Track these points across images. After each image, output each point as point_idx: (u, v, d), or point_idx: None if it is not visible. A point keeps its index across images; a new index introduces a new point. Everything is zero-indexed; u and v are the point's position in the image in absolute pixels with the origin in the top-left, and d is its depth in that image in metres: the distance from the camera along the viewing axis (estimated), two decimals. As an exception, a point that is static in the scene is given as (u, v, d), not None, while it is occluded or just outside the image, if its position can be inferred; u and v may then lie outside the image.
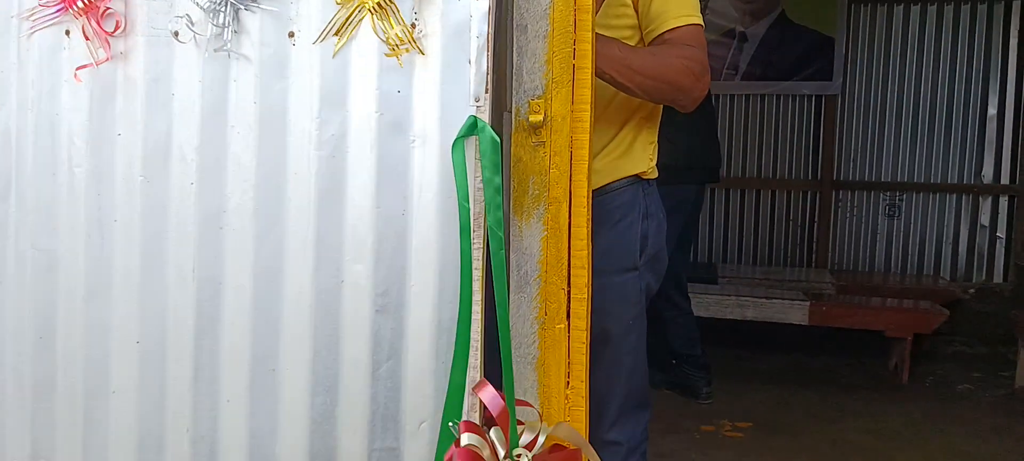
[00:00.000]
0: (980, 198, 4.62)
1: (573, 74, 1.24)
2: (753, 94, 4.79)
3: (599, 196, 1.51)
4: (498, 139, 1.10)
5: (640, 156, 1.62)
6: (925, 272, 4.70)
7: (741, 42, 4.78)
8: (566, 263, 1.27)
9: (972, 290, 4.59)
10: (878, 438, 2.98)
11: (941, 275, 4.66)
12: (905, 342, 3.64)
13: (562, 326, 1.28)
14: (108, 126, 1.21)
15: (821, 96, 4.71)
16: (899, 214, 4.71)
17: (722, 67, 4.75)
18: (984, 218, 4.63)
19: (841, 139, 4.72)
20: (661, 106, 1.65)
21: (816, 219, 4.78)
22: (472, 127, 1.08)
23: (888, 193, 4.71)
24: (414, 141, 1.11)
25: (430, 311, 1.14)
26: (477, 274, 1.08)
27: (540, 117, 1.23)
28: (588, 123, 1.26)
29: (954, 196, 4.64)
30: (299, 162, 1.14)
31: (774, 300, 3.77)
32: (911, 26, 4.61)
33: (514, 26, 1.25)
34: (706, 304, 3.82)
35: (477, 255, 1.09)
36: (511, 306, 1.29)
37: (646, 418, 1.73)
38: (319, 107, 1.13)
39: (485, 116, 1.11)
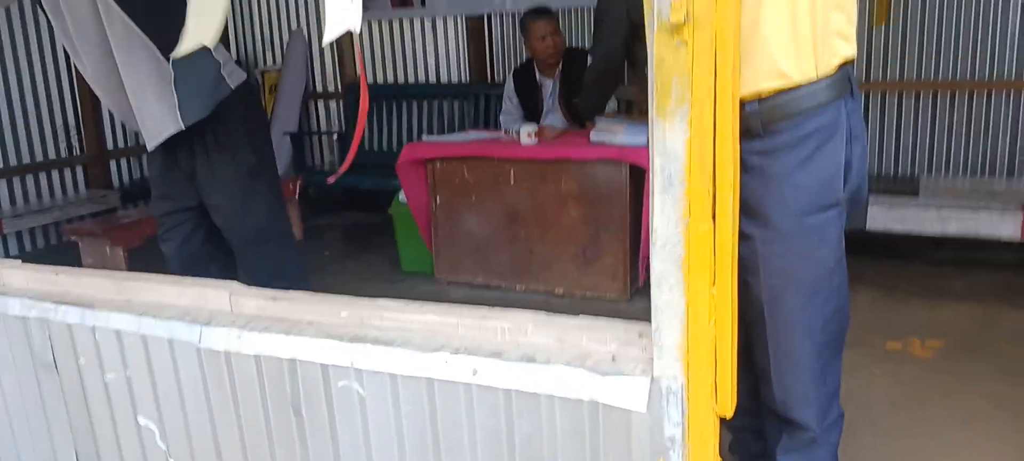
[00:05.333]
0: None
1: (717, -29, 1.23)
2: (965, -14, 4.30)
3: (788, 123, 1.34)
4: None
5: (825, 57, 1.35)
6: None
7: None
8: (711, 164, 1.29)
9: None
10: (1097, 362, 2.70)
11: None
12: None
13: (707, 226, 1.31)
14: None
15: (1052, -17, 4.13)
16: None
17: (929, -41, 4.30)
18: None
19: (1075, 31, 4.14)
20: None
21: (1040, 123, 4.27)
22: None
23: None
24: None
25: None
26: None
27: (681, 15, 1.24)
28: (733, 21, 1.25)
29: None
30: None
31: (981, 212, 3.45)
32: None
33: (656, -73, 1.26)
34: (903, 218, 3.59)
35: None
36: (656, 206, 1.33)
37: (837, 390, 1.55)
38: None
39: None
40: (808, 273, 1.38)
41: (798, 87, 1.31)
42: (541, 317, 1.57)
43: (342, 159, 5.65)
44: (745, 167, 1.36)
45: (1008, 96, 4.32)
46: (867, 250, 3.95)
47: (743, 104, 1.34)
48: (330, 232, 5.09)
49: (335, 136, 5.84)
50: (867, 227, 3.64)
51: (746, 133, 1.34)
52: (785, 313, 1.39)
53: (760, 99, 1.32)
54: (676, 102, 1.27)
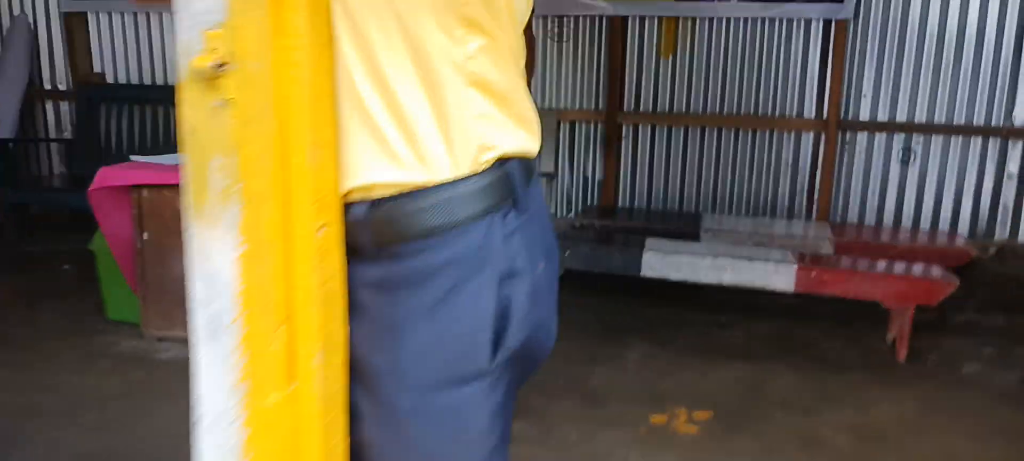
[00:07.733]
0: (1010, 143, 4.02)
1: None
2: (750, 18, 4.17)
3: (408, 246, 0.82)
4: None
5: (463, 146, 0.81)
6: (940, 227, 4.15)
7: (740, -41, 4.15)
8: (287, 296, 0.79)
9: (993, 249, 4.05)
10: (858, 438, 2.51)
11: (958, 232, 4.11)
12: (905, 315, 3.13)
13: (280, 395, 0.81)
14: None
15: (829, 21, 4.08)
16: (914, 160, 4.14)
17: (717, -13, 4.14)
18: (1013, 166, 4.05)
19: (850, 72, 4.12)
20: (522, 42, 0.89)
21: (818, 164, 4.22)
22: None
23: (902, 135, 4.13)
24: None
25: None
26: None
27: (217, 58, 0.73)
28: (311, 68, 0.76)
29: (979, 140, 4.05)
30: None
31: (756, 262, 3.26)
32: (939, -58, 3.95)
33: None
34: (679, 265, 3.34)
35: None
36: (200, 364, 0.82)
37: None
38: None
39: None
40: None
41: (423, 189, 0.82)
42: None
43: (73, 170, 4.75)
44: (352, 306, 0.86)
45: (790, 136, 4.25)
46: (647, 294, 3.70)
47: (348, 207, 0.84)
48: (44, 263, 4.21)
49: (65, 145, 4.93)
50: (642, 274, 3.36)
51: (354, 252, 0.84)
52: None
53: (371, 202, 0.82)
54: (219, 198, 0.77)
